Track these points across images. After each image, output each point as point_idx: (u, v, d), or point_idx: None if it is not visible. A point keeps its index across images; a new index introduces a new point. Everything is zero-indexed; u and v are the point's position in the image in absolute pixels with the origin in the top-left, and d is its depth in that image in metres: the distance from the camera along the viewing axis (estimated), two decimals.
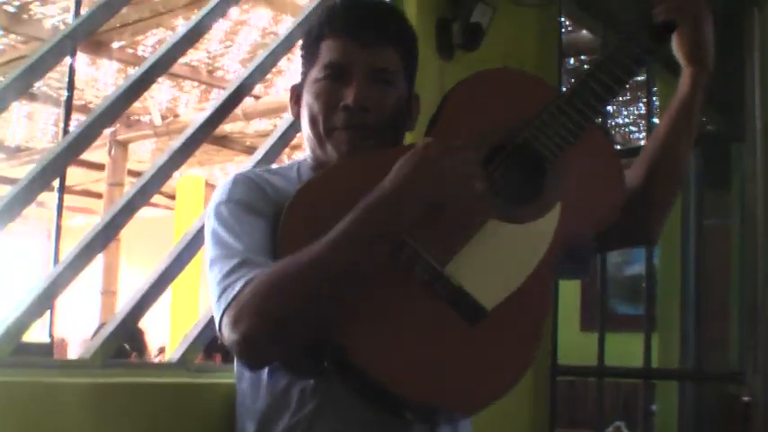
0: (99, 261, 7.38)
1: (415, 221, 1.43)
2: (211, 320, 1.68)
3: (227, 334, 1.42)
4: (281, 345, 1.43)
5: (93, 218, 11.61)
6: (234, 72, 7.56)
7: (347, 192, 1.50)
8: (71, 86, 4.51)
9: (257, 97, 7.64)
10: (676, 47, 1.68)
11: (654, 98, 3.56)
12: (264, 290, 1.39)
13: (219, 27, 6.59)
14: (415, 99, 1.72)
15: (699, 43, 1.66)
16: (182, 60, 7.03)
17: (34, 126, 9.28)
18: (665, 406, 4.46)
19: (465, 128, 1.59)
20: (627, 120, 7.70)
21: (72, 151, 1.97)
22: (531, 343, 1.49)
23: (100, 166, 9.28)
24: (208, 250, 1.55)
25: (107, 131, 8.28)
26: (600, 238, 1.65)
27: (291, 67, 6.73)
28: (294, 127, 2.26)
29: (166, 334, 7.86)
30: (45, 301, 1.85)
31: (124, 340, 2.32)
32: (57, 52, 2.01)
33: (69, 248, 1.93)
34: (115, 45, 7.13)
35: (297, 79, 1.73)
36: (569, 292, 5.20)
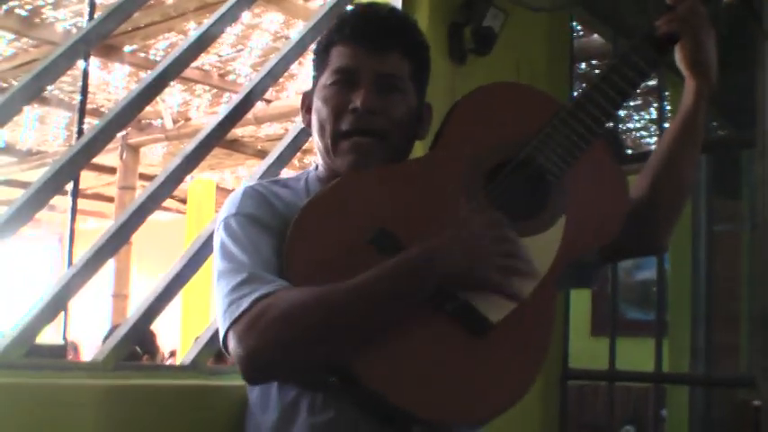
0: (111, 264, 7.41)
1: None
2: None
3: (233, 348, 1.43)
4: (285, 368, 1.46)
5: (105, 221, 11.66)
6: (245, 76, 7.57)
7: (352, 208, 1.52)
8: (85, 90, 4.52)
9: (269, 101, 7.65)
10: (679, 60, 1.68)
11: (665, 103, 3.55)
12: (279, 316, 1.39)
13: (231, 31, 6.60)
14: (428, 108, 1.72)
15: (701, 56, 1.66)
16: (193, 64, 7.00)
17: (46, 130, 9.30)
18: (676, 411, 4.45)
19: (470, 143, 1.59)
20: (638, 125, 7.68)
21: (85, 155, 1.99)
22: (537, 354, 1.49)
23: (111, 170, 9.31)
24: (216, 263, 1.56)
25: (119, 135, 8.30)
26: (607, 249, 1.65)
27: (303, 72, 6.74)
28: (305, 131, 2.27)
29: (177, 337, 7.88)
30: (58, 304, 1.86)
31: (136, 343, 2.32)
32: (69, 56, 2.02)
33: (81, 252, 1.94)
34: (127, 49, 7.15)
35: (308, 83, 1.73)
36: (580, 297, 5.19)
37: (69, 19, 6.54)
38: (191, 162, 2.16)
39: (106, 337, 2.51)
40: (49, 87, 2.05)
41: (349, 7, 2.39)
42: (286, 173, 2.24)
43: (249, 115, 6.90)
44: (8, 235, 1.81)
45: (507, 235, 1.47)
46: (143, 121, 8.95)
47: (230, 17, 2.34)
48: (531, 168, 1.57)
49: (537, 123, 1.60)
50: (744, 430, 3.95)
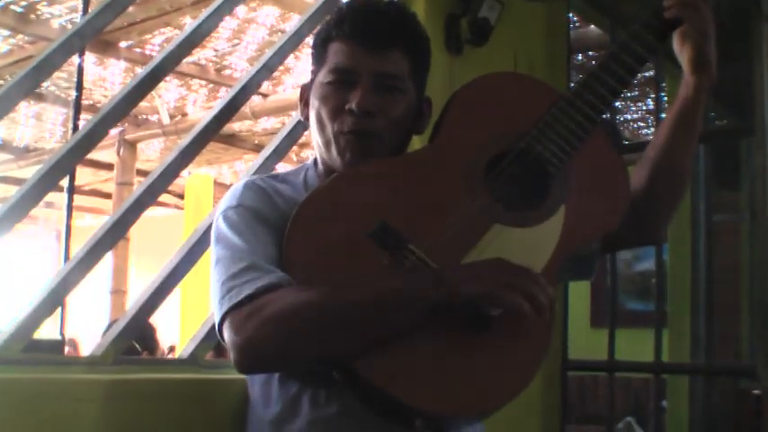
0: (108, 260, 7.41)
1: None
2: None
3: (229, 335, 1.42)
4: (279, 363, 1.47)
5: (102, 218, 11.62)
6: (242, 70, 7.55)
7: (350, 203, 1.51)
8: (80, 86, 4.50)
9: (265, 95, 7.63)
10: (681, 52, 1.66)
11: (662, 94, 3.54)
12: (280, 312, 1.39)
13: (227, 25, 6.58)
14: (427, 102, 1.70)
15: (706, 48, 1.64)
16: (189, 59, 7.04)
17: (42, 126, 9.29)
18: (676, 402, 4.45)
19: (469, 133, 1.59)
20: (635, 115, 7.68)
21: (80, 150, 1.98)
22: (539, 345, 1.48)
23: (109, 166, 9.29)
24: (214, 250, 1.55)
25: (115, 131, 8.29)
26: (605, 240, 1.65)
27: (299, 65, 6.73)
28: (302, 124, 2.26)
29: (176, 333, 7.87)
30: (56, 299, 1.86)
31: (135, 338, 2.32)
32: (64, 51, 2.01)
33: (78, 248, 1.94)
34: (122, 44, 7.13)
35: (305, 77, 1.72)
36: (579, 288, 5.18)
37: (65, 15, 6.52)
38: (187, 156, 2.16)
39: (105, 332, 2.51)
40: (45, 84, 2.05)
41: None
42: (282, 167, 2.23)
43: (246, 109, 6.92)
44: (4, 231, 1.80)
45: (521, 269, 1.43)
46: (140, 117, 8.93)
47: (226, 11, 2.33)
48: (531, 158, 1.56)
49: (536, 113, 1.59)
50: (744, 419, 3.96)
